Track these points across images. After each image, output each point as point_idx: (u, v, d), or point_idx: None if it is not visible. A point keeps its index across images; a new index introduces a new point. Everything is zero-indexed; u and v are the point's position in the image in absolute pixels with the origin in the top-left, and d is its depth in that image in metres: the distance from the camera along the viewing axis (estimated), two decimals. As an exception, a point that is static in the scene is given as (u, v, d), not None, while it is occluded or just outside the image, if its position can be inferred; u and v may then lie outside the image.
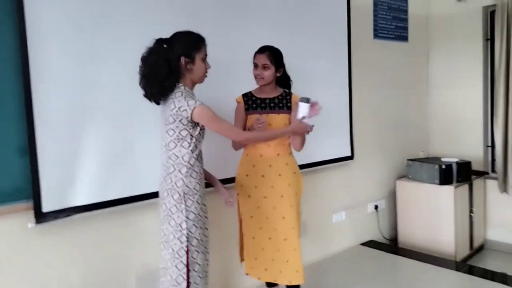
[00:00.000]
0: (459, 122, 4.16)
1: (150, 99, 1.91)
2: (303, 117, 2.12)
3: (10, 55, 1.93)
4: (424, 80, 4.34)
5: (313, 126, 2.19)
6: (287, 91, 2.43)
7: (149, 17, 2.31)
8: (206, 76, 1.98)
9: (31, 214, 1.99)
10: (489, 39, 4.00)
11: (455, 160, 3.70)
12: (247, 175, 2.41)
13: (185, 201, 1.87)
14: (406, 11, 4.03)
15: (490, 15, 3.99)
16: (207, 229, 2.01)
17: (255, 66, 2.33)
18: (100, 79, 2.16)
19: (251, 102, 2.39)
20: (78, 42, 2.09)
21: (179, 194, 1.87)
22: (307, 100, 2.10)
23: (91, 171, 2.15)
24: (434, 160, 3.83)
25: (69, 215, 2.09)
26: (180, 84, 1.89)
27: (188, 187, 1.89)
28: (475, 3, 3.97)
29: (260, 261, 2.42)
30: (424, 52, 4.31)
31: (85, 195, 2.14)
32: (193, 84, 1.96)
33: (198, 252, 1.90)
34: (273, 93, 2.39)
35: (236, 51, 2.67)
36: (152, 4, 2.34)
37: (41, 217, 2.00)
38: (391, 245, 3.90)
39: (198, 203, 1.92)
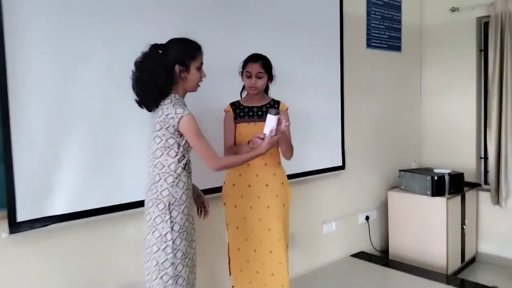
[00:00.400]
0: (452, 132, 4.12)
1: (142, 106, 1.86)
2: (271, 131, 1.97)
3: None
4: (417, 90, 4.31)
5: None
6: (275, 99, 2.38)
7: (134, 17, 2.24)
8: (199, 85, 1.93)
9: (5, 224, 1.90)
10: (483, 50, 3.98)
11: (448, 171, 3.64)
12: (233, 185, 2.35)
13: (170, 212, 1.81)
14: (399, 21, 4.00)
15: (484, 26, 3.97)
16: (194, 241, 1.95)
17: (248, 75, 2.26)
18: (82, 82, 2.08)
19: (238, 111, 2.34)
20: (59, 44, 2.02)
21: (164, 205, 1.81)
22: (275, 113, 1.97)
23: (70, 179, 2.07)
24: (427, 171, 3.78)
25: (45, 225, 2.00)
26: (171, 92, 1.84)
27: (174, 197, 1.83)
28: (468, 14, 3.94)
29: (245, 273, 2.35)
30: (417, 62, 4.28)
31: (63, 204, 2.05)
32: (185, 93, 1.92)
33: (183, 265, 1.83)
34: (261, 101, 2.34)
35: (228, 57, 2.60)
36: (137, 3, 2.27)
37: (15, 226, 1.92)
38: (382, 257, 3.83)
39: (184, 214, 1.85)
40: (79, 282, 2.19)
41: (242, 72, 2.30)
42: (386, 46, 3.88)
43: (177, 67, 1.81)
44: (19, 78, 1.91)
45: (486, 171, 4.00)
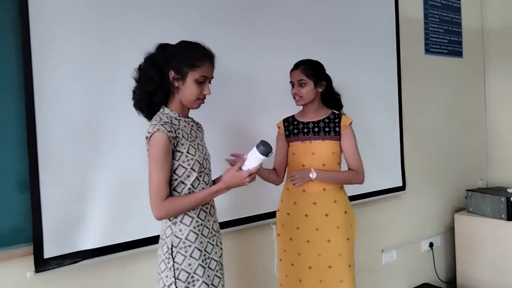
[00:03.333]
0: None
1: (137, 110, 1.58)
2: (253, 167, 1.53)
3: (10, 73, 1.66)
4: (481, 100, 3.86)
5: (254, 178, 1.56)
6: (336, 112, 2.06)
7: (170, 31, 2.00)
8: (201, 102, 1.58)
9: (30, 261, 1.67)
10: (558, 53, 3.52)
11: (525, 191, 3.18)
12: (288, 214, 2.04)
13: (173, 257, 1.49)
14: (459, 24, 3.60)
15: (558, 25, 3.52)
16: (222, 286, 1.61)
17: (292, 84, 2.01)
18: (112, 103, 1.84)
19: (292, 128, 2.05)
20: (91, 60, 1.80)
21: (167, 247, 1.50)
22: (263, 151, 1.49)
23: (103, 207, 1.82)
24: (499, 191, 3.32)
25: (75, 262, 1.76)
26: (164, 107, 1.55)
27: (177, 237, 1.50)
28: (539, 13, 3.51)
29: None
30: (480, 69, 3.84)
31: (96, 236, 1.81)
32: (183, 107, 1.59)
33: None
34: (318, 115, 2.03)
35: (272, 70, 2.35)
36: (177, 15, 2.04)
37: (41, 264, 1.68)
38: (449, 290, 3.38)
39: (195, 258, 1.51)
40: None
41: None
42: (446, 51, 3.50)
43: (171, 73, 1.51)
44: (46, 102, 1.70)
45: None
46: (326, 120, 2.01)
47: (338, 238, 1.95)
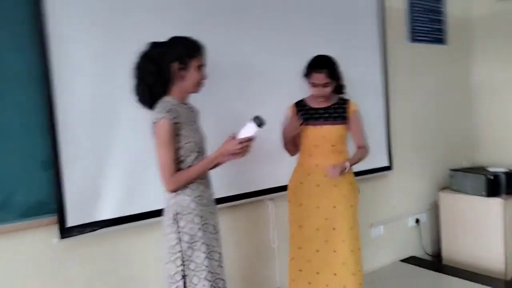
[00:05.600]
0: (508, 128, 3.87)
1: (141, 104, 1.80)
2: (243, 137, 1.73)
3: (33, 65, 1.91)
4: (465, 85, 4.08)
5: (248, 147, 1.74)
6: (344, 98, 2.30)
7: (175, 27, 2.24)
8: (201, 86, 1.82)
9: (55, 229, 1.93)
10: (537, 40, 3.73)
11: (503, 169, 3.42)
12: (301, 183, 2.32)
13: (177, 222, 1.72)
14: (443, 13, 3.81)
15: (536, 13, 3.72)
16: (217, 252, 1.82)
17: (314, 85, 2.21)
18: (124, 89, 2.08)
19: (303, 113, 2.29)
20: (103, 51, 2.05)
21: (172, 214, 1.74)
22: (259, 124, 1.71)
23: (117, 183, 2.08)
24: (480, 170, 3.56)
25: (94, 230, 2.02)
26: (165, 93, 1.75)
27: (180, 205, 1.74)
28: (519, 2, 3.72)
29: (305, 273, 2.30)
30: (464, 55, 4.06)
31: (111, 208, 2.07)
32: (185, 93, 1.80)
33: (200, 278, 1.71)
34: (328, 101, 2.28)
35: (268, 62, 2.59)
36: (178, 16, 2.27)
37: (65, 232, 1.95)
38: (434, 262, 3.64)
39: (196, 223, 1.74)
40: (129, 284, 2.20)
41: (306, 76, 2.24)
42: (430, 39, 3.71)
43: (175, 65, 1.72)
44: (64, 86, 1.94)
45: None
46: (336, 106, 2.27)
47: (342, 205, 2.25)
